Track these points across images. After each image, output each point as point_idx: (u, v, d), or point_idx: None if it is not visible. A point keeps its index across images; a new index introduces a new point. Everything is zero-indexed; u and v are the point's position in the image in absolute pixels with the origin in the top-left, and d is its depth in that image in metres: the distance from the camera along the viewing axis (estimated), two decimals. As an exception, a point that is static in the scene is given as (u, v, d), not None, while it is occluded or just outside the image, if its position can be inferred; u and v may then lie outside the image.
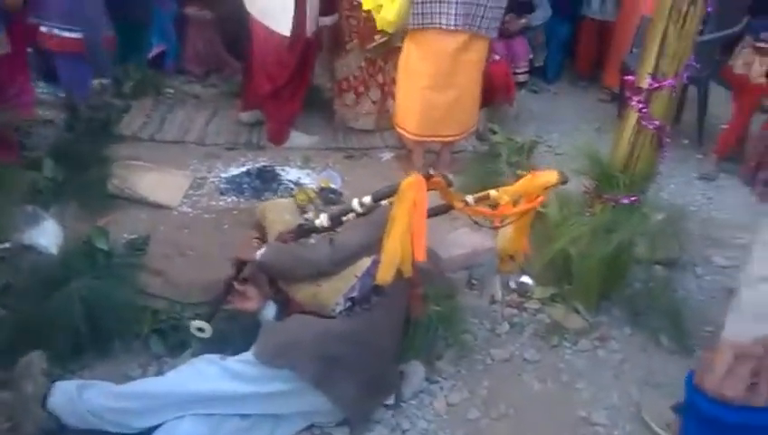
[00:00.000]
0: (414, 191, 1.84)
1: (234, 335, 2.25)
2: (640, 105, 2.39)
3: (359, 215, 2.16)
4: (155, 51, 4.50)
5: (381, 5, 3.36)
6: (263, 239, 2.42)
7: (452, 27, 3.16)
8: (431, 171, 1.98)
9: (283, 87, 3.58)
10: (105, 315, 2.28)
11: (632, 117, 2.45)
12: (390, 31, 3.47)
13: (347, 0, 3.73)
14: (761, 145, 3.78)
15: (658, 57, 2.34)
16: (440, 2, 3.11)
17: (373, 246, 2.04)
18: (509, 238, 2.52)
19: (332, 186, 3.34)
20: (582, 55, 5.28)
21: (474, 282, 2.71)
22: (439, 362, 2.34)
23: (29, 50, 3.76)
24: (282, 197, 3.21)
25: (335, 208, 2.27)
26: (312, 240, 2.24)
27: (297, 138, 3.78)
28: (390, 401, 2.17)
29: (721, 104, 4.40)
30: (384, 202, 2.10)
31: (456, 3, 3.10)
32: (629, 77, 2.48)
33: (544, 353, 2.45)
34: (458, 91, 3.38)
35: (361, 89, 3.93)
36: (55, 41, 3.45)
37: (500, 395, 2.25)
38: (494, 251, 2.74)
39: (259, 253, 2.17)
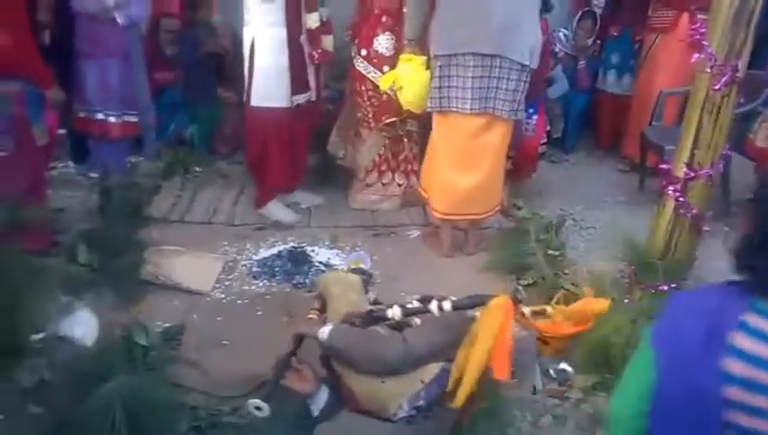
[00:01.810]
0: (502, 313, 1.84)
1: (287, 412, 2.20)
2: (677, 194, 2.41)
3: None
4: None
5: (401, 87, 3.44)
6: (321, 311, 2.34)
7: (468, 111, 3.19)
8: (518, 295, 2.00)
9: (257, 157, 3.68)
10: (142, 414, 2.24)
11: (669, 205, 2.46)
12: (416, 111, 3.54)
13: (358, 81, 3.80)
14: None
15: (694, 147, 2.37)
16: (456, 86, 3.16)
17: (443, 352, 1.98)
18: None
19: (363, 266, 3.35)
20: (600, 127, 5.35)
21: (512, 371, 2.66)
22: (485, 460, 2.28)
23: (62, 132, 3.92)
24: (313, 280, 3.21)
25: (413, 307, 2.17)
26: (379, 329, 2.15)
27: (276, 209, 3.81)
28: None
29: (744, 173, 4.40)
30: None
31: (472, 88, 3.14)
32: (665, 166, 2.50)
33: (590, 447, 2.39)
34: (481, 173, 3.38)
35: (384, 167, 3.97)
36: (115, 127, 3.68)
37: (548, 496, 2.19)
38: (531, 338, 2.70)
39: (324, 332, 2.05)
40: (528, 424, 2.45)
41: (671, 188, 2.44)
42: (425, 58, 3.37)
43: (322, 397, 2.08)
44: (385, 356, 1.97)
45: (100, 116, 3.73)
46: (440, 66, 3.17)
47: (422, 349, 1.98)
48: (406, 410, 1.94)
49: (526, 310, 2.17)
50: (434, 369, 1.97)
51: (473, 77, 3.13)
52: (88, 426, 2.17)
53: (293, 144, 3.76)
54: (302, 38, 3.58)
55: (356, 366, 2.02)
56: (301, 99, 3.64)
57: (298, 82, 3.59)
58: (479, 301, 1.98)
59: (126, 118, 3.74)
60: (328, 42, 3.74)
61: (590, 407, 2.53)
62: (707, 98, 2.32)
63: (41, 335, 2.62)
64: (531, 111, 4.11)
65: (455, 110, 3.23)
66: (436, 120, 3.37)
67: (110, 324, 2.72)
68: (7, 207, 2.49)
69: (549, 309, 2.22)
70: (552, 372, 2.67)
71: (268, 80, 3.50)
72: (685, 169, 2.39)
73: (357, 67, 3.79)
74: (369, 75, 3.71)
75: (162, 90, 4.47)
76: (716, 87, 2.28)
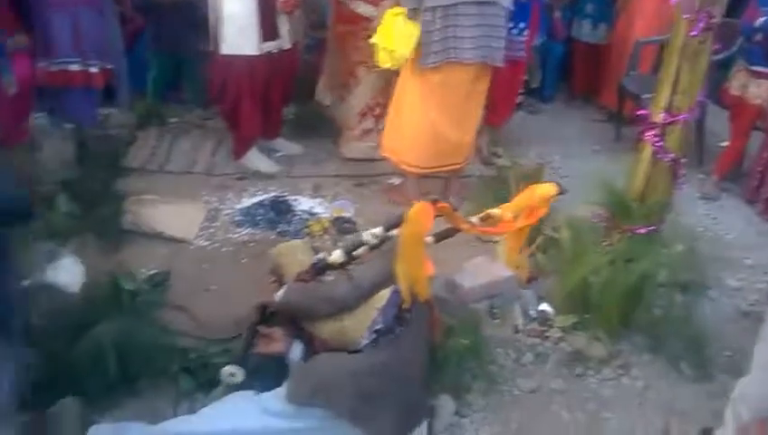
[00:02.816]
0: (423, 217, 1.89)
1: (263, 373, 2.26)
2: (655, 139, 2.46)
3: (372, 247, 2.20)
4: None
5: (394, 48, 3.20)
6: (280, 282, 2.43)
7: (469, 60, 3.15)
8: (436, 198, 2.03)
9: (221, 103, 3.67)
10: (134, 355, 2.29)
11: (647, 150, 2.52)
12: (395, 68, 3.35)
13: (351, 22, 3.68)
14: (760, 164, 3.87)
15: (672, 93, 2.41)
16: (456, 36, 3.10)
17: (391, 277, 2.08)
18: (508, 252, 2.55)
19: (345, 214, 3.38)
20: (577, 76, 5.37)
21: (495, 311, 2.74)
22: (468, 396, 2.36)
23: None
24: (296, 228, 3.24)
25: (348, 243, 2.30)
26: (329, 277, 2.27)
27: (255, 159, 3.81)
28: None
29: (718, 122, 4.48)
30: (395, 231, 2.13)
31: (472, 37, 3.11)
32: (643, 111, 2.54)
33: (570, 383, 2.49)
34: (468, 121, 3.40)
35: (378, 111, 3.86)
36: (92, 76, 3.61)
37: (530, 428, 2.28)
38: (513, 280, 2.77)
39: (279, 294, 2.21)
40: (511, 361, 2.54)
41: (649, 133, 2.49)
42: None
43: (297, 352, 2.20)
44: (334, 297, 2.14)
45: (74, 67, 3.63)
46: (440, 17, 3.08)
47: (367, 280, 2.15)
48: (367, 338, 2.10)
49: (474, 219, 2.20)
50: (385, 294, 2.13)
51: (472, 26, 3.10)
52: (80, 368, 2.21)
53: (268, 93, 3.72)
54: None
55: (314, 315, 2.18)
56: (271, 46, 3.56)
57: (267, 29, 3.50)
58: (405, 216, 2.02)
59: (100, 66, 3.66)
60: None
61: (569, 345, 2.63)
62: (685, 44, 2.36)
63: (26, 282, 2.61)
64: (522, 25, 4.00)
65: (455, 60, 3.16)
66: (425, 74, 3.22)
67: (96, 271, 2.72)
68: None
69: (494, 211, 2.23)
70: (532, 312, 2.75)
71: (236, 27, 3.43)
72: (663, 115, 2.44)
73: (351, 6, 3.65)
74: (365, 13, 3.58)
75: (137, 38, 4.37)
76: (694, 33, 2.31)
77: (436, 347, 2.33)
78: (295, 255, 2.45)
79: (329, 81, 4.02)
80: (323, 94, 4.05)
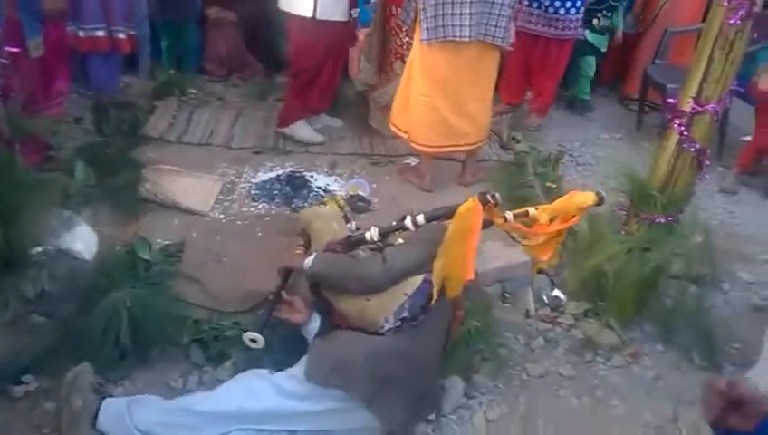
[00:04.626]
0: (473, 216, 1.85)
1: (275, 346, 2.27)
2: (681, 128, 2.42)
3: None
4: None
5: None
6: (306, 247, 2.41)
7: (466, 38, 3.08)
8: (489, 196, 1.96)
9: (305, 71, 3.62)
10: (146, 325, 2.29)
11: (673, 138, 2.48)
12: None
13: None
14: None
15: (702, 81, 2.36)
16: (452, 14, 3.04)
17: (423, 265, 2.04)
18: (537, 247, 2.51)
19: (361, 193, 3.36)
20: (604, 64, 5.29)
21: (507, 295, 2.74)
22: (477, 377, 2.37)
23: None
24: (312, 204, 3.23)
25: (387, 225, 2.18)
26: (360, 252, 2.24)
27: (302, 129, 3.79)
28: (431, 416, 2.19)
29: (740, 116, 4.41)
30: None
31: (470, 14, 3.04)
32: (671, 100, 2.50)
33: (579, 369, 2.49)
34: (475, 102, 3.34)
35: None
36: (105, 42, 3.61)
37: (538, 411, 2.29)
38: (527, 265, 2.76)
39: (308, 262, 2.15)
40: (521, 345, 2.54)
41: (676, 122, 2.45)
42: None
43: (314, 326, 2.18)
44: (365, 276, 2.08)
45: (100, 33, 3.63)
46: None
47: (401, 265, 2.08)
48: (392, 323, 2.05)
49: (509, 214, 2.13)
50: (416, 281, 2.07)
51: (471, 2, 3.04)
52: (93, 335, 2.22)
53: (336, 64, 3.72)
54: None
55: (340, 289, 2.13)
56: (355, 13, 3.56)
57: None
58: (451, 210, 2.00)
59: (126, 32, 3.65)
60: None
61: (581, 332, 2.62)
62: (721, 32, 2.30)
63: (41, 248, 2.63)
64: (578, 3, 3.97)
65: (451, 39, 3.11)
66: (426, 53, 3.19)
67: (110, 239, 2.74)
68: (10, 117, 2.45)
69: (532, 210, 2.17)
70: (545, 298, 2.75)
71: None
72: (692, 104, 2.39)
73: None
74: None
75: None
76: (732, 21, 2.25)
77: (452, 339, 2.30)
78: (330, 222, 2.39)
79: (374, 60, 3.95)
80: (367, 73, 3.98)
